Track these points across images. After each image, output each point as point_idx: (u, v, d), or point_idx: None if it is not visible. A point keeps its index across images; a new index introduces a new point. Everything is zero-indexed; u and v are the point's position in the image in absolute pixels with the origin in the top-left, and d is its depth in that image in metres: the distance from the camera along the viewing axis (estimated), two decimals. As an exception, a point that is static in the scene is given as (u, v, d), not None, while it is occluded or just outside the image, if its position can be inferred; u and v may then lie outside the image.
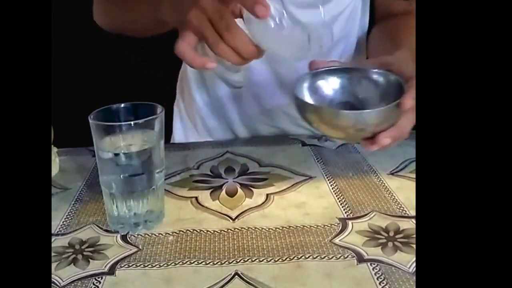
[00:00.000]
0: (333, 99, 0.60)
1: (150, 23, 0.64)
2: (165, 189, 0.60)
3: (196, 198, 0.63)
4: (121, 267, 0.50)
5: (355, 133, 0.55)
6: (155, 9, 0.59)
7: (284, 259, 0.50)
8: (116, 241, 0.55)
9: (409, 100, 0.53)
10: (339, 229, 0.55)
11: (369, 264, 0.49)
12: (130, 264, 0.51)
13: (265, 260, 0.50)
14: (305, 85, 0.60)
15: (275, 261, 0.50)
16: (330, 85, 0.61)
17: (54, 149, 0.72)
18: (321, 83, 0.61)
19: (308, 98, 0.59)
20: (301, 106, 0.57)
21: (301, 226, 0.56)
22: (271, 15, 0.50)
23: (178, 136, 0.95)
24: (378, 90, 0.59)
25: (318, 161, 0.71)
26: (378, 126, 0.54)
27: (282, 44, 0.52)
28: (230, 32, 0.50)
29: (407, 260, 0.49)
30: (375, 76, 0.60)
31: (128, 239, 0.55)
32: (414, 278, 0.47)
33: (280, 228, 0.56)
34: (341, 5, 0.78)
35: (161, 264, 0.50)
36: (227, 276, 0.48)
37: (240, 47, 0.51)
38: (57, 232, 0.57)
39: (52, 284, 0.48)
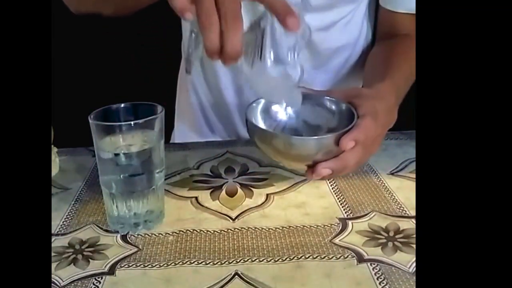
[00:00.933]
0: (286, 124, 0.60)
1: None
2: (165, 189, 0.60)
3: (196, 198, 0.63)
4: (121, 267, 0.50)
5: (297, 159, 0.54)
6: None
7: (284, 259, 0.50)
8: (116, 241, 0.55)
9: (349, 142, 0.51)
10: (339, 229, 0.55)
11: (369, 264, 0.49)
12: (130, 264, 0.51)
13: (265, 260, 0.50)
14: (259, 107, 0.60)
15: (275, 261, 0.50)
16: (284, 110, 0.60)
17: (54, 149, 0.72)
18: (275, 107, 0.60)
19: (260, 121, 0.59)
20: (251, 128, 0.56)
21: (301, 226, 0.56)
22: (271, 56, 0.49)
23: (178, 135, 0.95)
24: (330, 118, 0.59)
25: (318, 161, 0.71)
26: (318, 155, 0.53)
27: (265, 82, 0.52)
28: (233, 18, 0.44)
29: (407, 260, 0.49)
30: (328, 104, 0.60)
31: (128, 239, 0.55)
32: (414, 278, 0.47)
33: (280, 228, 0.56)
34: (342, 12, 0.78)
35: (161, 264, 0.50)
36: (227, 276, 0.48)
37: (229, 40, 0.45)
38: (57, 232, 0.57)
39: (52, 284, 0.48)
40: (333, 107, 0.59)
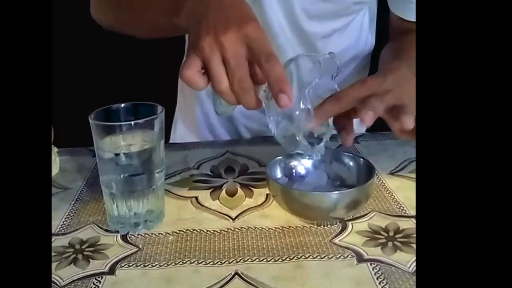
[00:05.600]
0: (306, 179, 0.61)
1: (165, 27, 0.61)
2: (165, 189, 0.60)
3: (196, 198, 0.63)
4: (121, 267, 0.50)
5: (322, 213, 0.55)
6: (173, 13, 0.56)
7: (284, 259, 0.50)
8: (116, 241, 0.55)
9: (410, 121, 0.52)
10: (339, 229, 0.55)
11: (369, 264, 0.49)
12: (130, 264, 0.51)
13: (265, 260, 0.50)
14: (279, 166, 0.61)
15: (275, 261, 0.50)
16: (303, 166, 0.62)
17: (54, 149, 0.72)
18: (294, 163, 0.62)
19: (280, 177, 0.61)
20: (272, 185, 0.57)
21: (301, 226, 0.56)
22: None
23: (178, 135, 0.95)
24: (348, 172, 0.61)
25: (318, 161, 0.71)
26: (345, 208, 0.54)
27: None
28: (240, 84, 0.49)
29: (407, 260, 0.49)
30: (346, 160, 0.62)
31: (128, 239, 0.55)
32: (414, 278, 0.47)
33: (280, 228, 0.56)
34: (346, 20, 0.78)
35: (161, 264, 0.50)
36: (227, 276, 0.48)
37: (243, 101, 0.50)
38: (57, 232, 0.57)
39: (52, 284, 0.48)
40: (351, 162, 0.61)
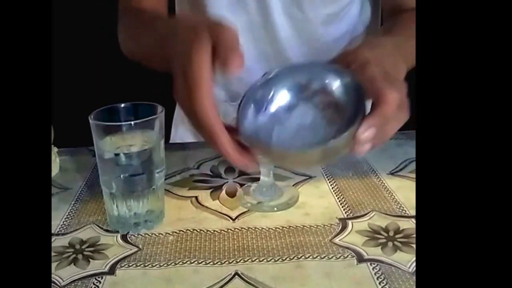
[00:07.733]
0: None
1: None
2: (165, 189, 0.60)
3: (196, 198, 0.63)
4: (121, 267, 0.50)
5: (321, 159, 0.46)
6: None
7: (284, 259, 0.50)
8: (116, 241, 0.55)
9: (365, 132, 0.43)
10: (339, 229, 0.55)
11: (369, 264, 0.49)
12: (130, 264, 0.51)
13: (265, 260, 0.50)
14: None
15: (275, 261, 0.50)
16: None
17: (54, 149, 0.72)
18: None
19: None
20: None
21: (301, 226, 0.56)
22: None
23: (179, 134, 0.95)
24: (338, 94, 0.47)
25: (318, 161, 0.71)
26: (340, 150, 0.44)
27: None
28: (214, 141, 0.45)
29: (407, 260, 0.49)
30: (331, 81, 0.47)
31: (128, 239, 0.55)
32: (414, 278, 0.47)
33: (280, 228, 0.56)
34: (342, 3, 0.78)
35: (161, 264, 0.50)
36: (227, 276, 0.48)
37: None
38: (57, 232, 0.57)
39: (52, 284, 0.48)
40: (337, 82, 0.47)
